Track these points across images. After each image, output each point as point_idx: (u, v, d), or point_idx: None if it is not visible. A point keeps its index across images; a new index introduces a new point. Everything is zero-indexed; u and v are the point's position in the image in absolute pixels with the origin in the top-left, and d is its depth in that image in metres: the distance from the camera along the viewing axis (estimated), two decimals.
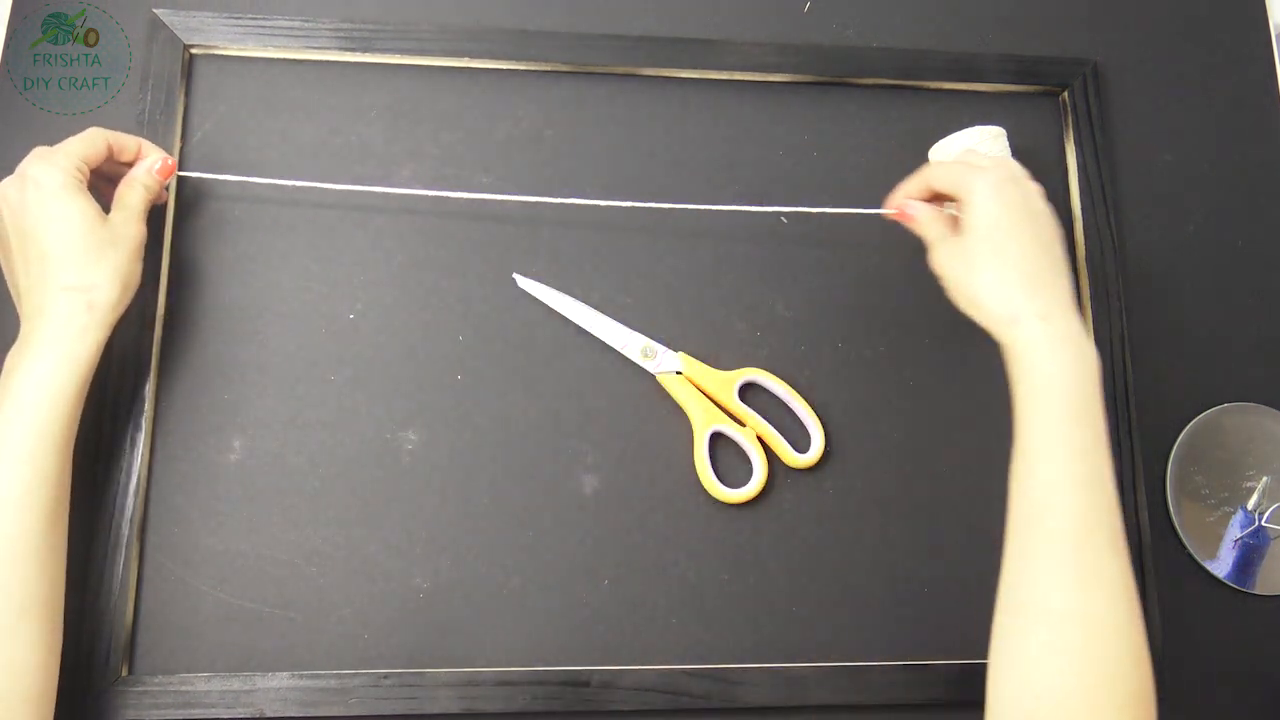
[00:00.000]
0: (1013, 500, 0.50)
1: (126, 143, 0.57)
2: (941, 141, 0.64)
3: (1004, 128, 0.65)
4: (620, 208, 0.64)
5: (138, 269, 0.54)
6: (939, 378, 0.64)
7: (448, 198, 0.63)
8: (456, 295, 0.62)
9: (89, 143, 0.54)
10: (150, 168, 0.56)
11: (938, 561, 0.62)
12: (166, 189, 0.60)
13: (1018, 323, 0.51)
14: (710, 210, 0.64)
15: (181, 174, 0.61)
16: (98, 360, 0.52)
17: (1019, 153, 0.68)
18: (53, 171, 0.52)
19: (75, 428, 0.51)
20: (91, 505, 0.56)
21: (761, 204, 0.65)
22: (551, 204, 0.63)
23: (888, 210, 0.60)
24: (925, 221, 0.57)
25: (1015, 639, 0.48)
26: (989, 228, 0.53)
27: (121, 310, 0.53)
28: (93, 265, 0.51)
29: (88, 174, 0.54)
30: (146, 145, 0.58)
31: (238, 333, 0.60)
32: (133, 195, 0.55)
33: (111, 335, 0.58)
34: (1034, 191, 0.54)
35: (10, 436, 0.48)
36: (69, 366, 0.50)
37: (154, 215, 0.60)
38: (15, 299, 0.54)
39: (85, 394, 0.51)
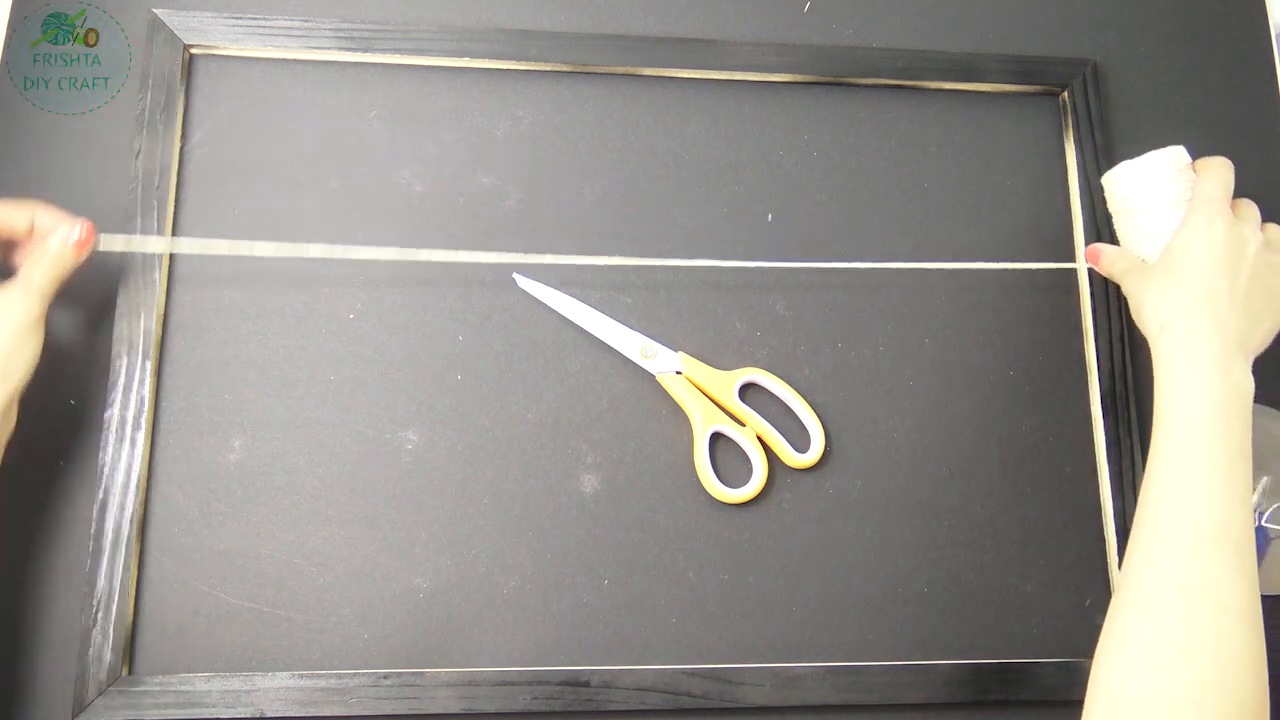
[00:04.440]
0: (1139, 500, 0.52)
1: (15, 217, 0.53)
2: (1128, 164, 0.62)
3: (1007, 128, 0.66)
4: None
5: (28, 345, 0.51)
6: (939, 378, 0.64)
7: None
8: (457, 295, 0.62)
9: None
10: (65, 239, 0.53)
11: (938, 561, 0.62)
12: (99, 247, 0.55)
13: (1165, 331, 0.53)
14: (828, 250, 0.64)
15: (103, 236, 0.55)
16: (9, 426, 0.51)
17: (1017, 152, 0.69)
18: None
19: None
20: (91, 505, 0.56)
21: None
22: (671, 266, 0.63)
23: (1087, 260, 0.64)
24: (1111, 259, 0.61)
25: (1120, 637, 0.48)
26: (1178, 250, 0.55)
27: (13, 385, 0.51)
28: None
29: None
30: (44, 213, 0.53)
31: (238, 333, 0.60)
32: (36, 271, 0.52)
33: (114, 332, 0.58)
34: (1247, 236, 0.55)
35: None
36: None
37: (158, 208, 0.60)
38: None
39: None
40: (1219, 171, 0.58)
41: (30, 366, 0.52)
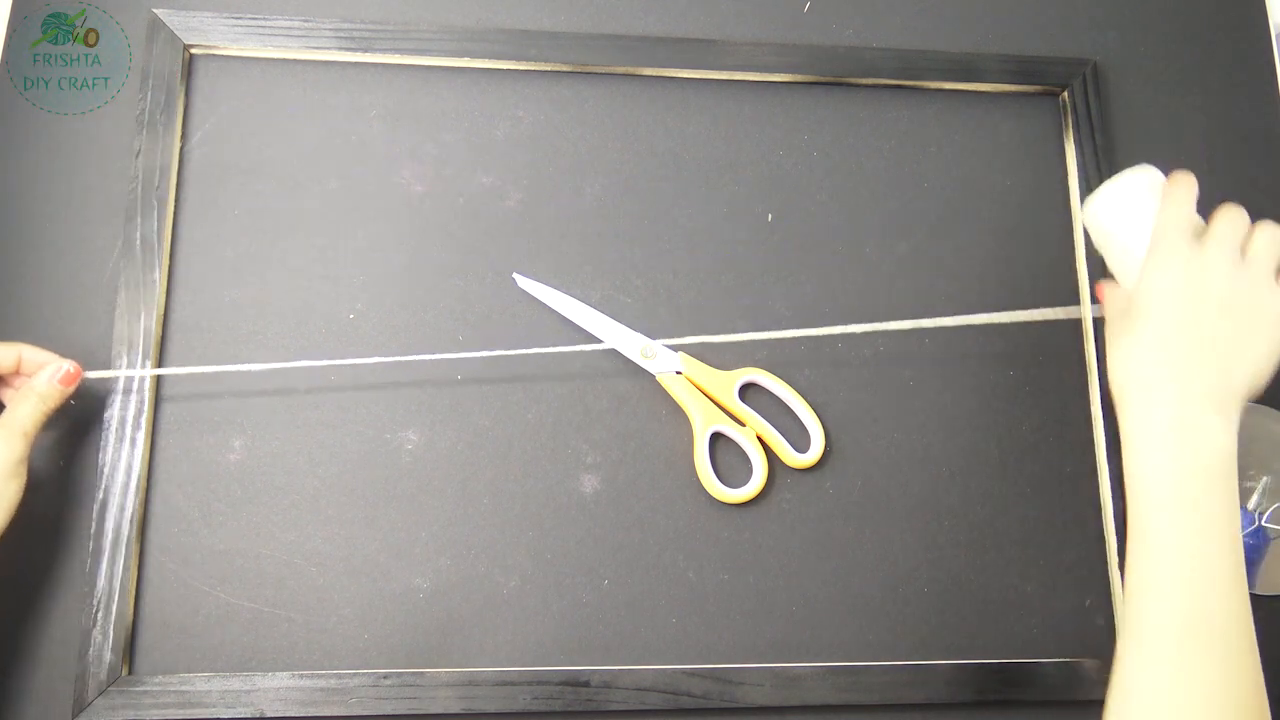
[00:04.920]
0: (1125, 583, 0.48)
1: (1, 355, 0.53)
2: (1098, 195, 0.55)
3: (1007, 128, 0.65)
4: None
5: (10, 487, 0.50)
6: (939, 378, 0.64)
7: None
8: (456, 295, 0.62)
9: None
10: (51, 377, 0.53)
11: (938, 561, 0.62)
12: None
13: (1122, 397, 0.49)
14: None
15: (89, 374, 0.55)
16: None
17: (1017, 152, 0.69)
18: None
19: None
20: (91, 505, 0.56)
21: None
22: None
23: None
24: (1109, 300, 0.55)
25: None
26: (1135, 302, 0.50)
27: None
28: None
29: None
30: (30, 352, 0.54)
31: (238, 333, 0.60)
32: (21, 409, 0.52)
33: (114, 332, 0.58)
34: (1213, 264, 0.49)
35: None
36: None
37: (158, 208, 0.60)
38: None
39: None
40: (1175, 195, 0.51)
41: (13, 507, 0.51)
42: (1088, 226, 0.57)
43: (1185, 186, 0.52)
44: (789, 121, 0.67)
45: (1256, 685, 0.44)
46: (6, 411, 0.52)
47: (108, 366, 0.58)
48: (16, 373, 0.54)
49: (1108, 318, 0.54)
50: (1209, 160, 0.70)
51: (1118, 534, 0.62)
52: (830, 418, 0.63)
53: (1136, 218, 0.53)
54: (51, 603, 0.56)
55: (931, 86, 0.68)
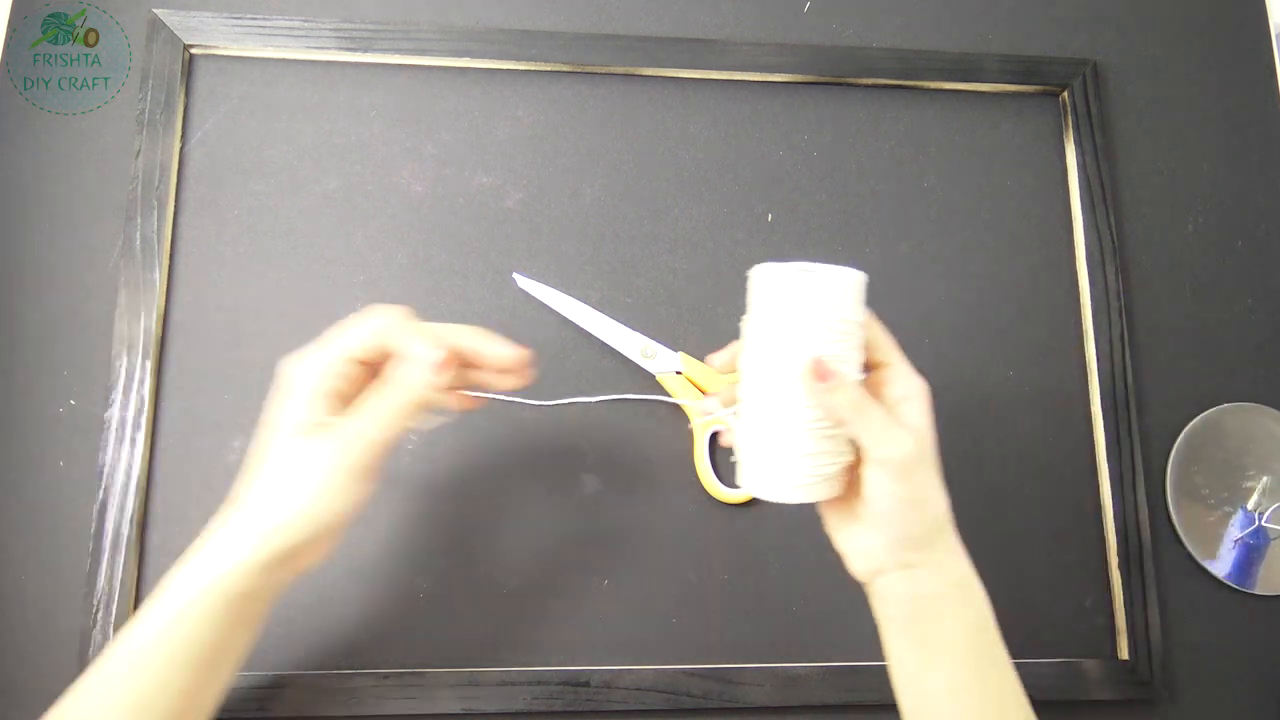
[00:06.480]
0: None
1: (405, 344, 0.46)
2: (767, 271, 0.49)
3: (1007, 128, 0.65)
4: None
5: (345, 493, 0.43)
6: (938, 378, 0.64)
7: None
8: (456, 295, 0.62)
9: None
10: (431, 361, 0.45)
11: None
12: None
13: (950, 538, 0.51)
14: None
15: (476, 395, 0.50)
16: (281, 582, 0.45)
17: (1017, 152, 0.68)
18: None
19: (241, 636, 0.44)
20: (91, 505, 0.56)
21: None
22: None
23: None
24: (889, 439, 0.47)
25: None
26: (925, 444, 0.47)
27: (322, 545, 0.44)
28: (273, 495, 0.43)
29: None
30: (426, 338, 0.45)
31: (238, 333, 0.60)
32: (393, 395, 0.44)
33: (114, 332, 0.58)
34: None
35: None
36: (220, 579, 0.43)
37: (158, 208, 0.60)
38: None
39: (260, 612, 0.44)
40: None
41: (333, 520, 0.44)
42: (793, 290, 0.49)
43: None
44: (789, 121, 0.67)
45: None
46: (376, 397, 0.45)
47: (108, 366, 0.58)
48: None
49: (899, 450, 0.46)
50: (1209, 160, 0.70)
51: (1117, 534, 0.62)
52: None
53: (850, 311, 0.49)
54: (51, 603, 0.56)
55: (931, 86, 0.68)
